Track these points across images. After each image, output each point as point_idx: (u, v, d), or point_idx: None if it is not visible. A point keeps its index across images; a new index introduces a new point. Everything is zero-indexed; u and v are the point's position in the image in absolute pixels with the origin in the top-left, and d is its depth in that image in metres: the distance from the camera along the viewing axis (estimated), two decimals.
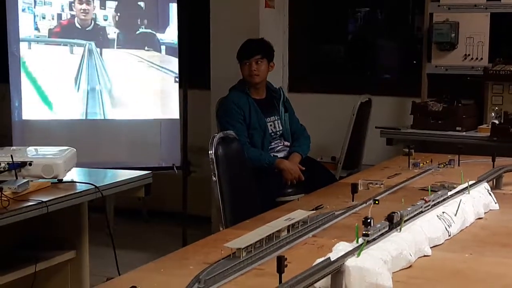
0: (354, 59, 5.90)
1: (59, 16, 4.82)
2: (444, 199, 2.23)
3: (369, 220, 1.81)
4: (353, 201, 2.62)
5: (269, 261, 1.92)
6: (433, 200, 2.15)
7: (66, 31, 4.83)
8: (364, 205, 2.55)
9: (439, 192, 2.21)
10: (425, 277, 1.87)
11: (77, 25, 4.85)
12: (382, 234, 1.83)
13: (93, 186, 2.98)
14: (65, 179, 3.02)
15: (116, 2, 4.93)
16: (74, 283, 3.27)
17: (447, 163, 3.33)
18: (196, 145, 4.87)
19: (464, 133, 4.49)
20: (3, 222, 2.58)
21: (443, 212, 2.23)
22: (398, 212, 1.92)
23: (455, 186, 2.59)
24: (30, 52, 4.77)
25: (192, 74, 4.94)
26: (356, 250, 1.75)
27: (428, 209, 2.12)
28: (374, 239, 1.85)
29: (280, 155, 4.34)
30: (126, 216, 5.54)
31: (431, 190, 2.45)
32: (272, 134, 4.34)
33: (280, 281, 1.56)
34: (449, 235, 2.18)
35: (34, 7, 4.75)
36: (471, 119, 4.60)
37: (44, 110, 4.82)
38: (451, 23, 4.77)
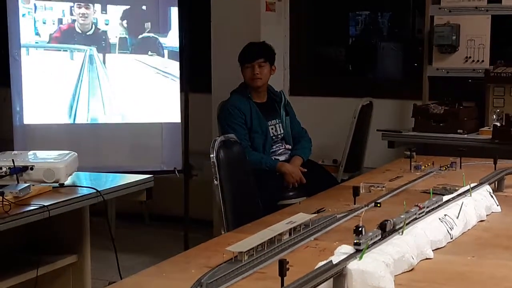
0: (355, 62, 5.90)
1: (60, 21, 4.83)
2: (438, 205, 2.20)
3: (360, 229, 1.75)
4: (354, 204, 2.61)
5: (271, 264, 1.92)
6: (427, 207, 2.12)
7: (66, 36, 4.84)
8: (366, 208, 2.55)
9: (433, 199, 2.18)
10: (427, 280, 1.86)
11: (78, 29, 4.85)
12: (374, 243, 1.79)
13: (95, 190, 2.98)
14: (66, 183, 3.02)
15: (117, 7, 4.93)
16: (76, 287, 3.27)
17: (448, 165, 3.32)
18: (198, 148, 4.86)
19: (465, 135, 4.48)
20: (5, 227, 2.58)
21: (445, 215, 2.23)
22: (391, 220, 1.87)
23: (457, 188, 2.59)
24: (31, 57, 4.77)
25: (193, 78, 4.95)
26: (358, 253, 1.75)
27: (423, 215, 2.09)
28: (375, 243, 1.84)
29: (281, 158, 4.34)
30: (127, 220, 5.54)
31: (433, 193, 2.45)
32: (274, 137, 4.34)
33: (282, 285, 1.56)
34: (451, 238, 2.18)
35: (35, 12, 4.75)
36: (473, 122, 4.59)
37: (45, 114, 4.82)
38: (452, 26, 4.77)
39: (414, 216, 2.03)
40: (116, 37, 4.93)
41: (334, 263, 1.68)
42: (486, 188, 2.61)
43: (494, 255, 2.08)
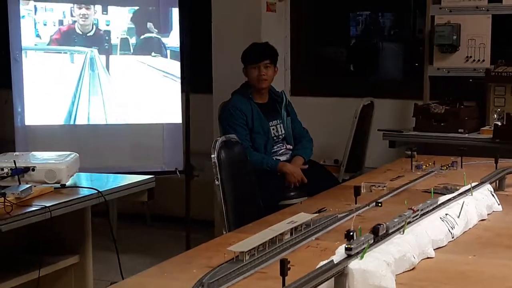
0: (356, 62, 5.90)
1: (60, 22, 4.83)
2: (433, 208, 2.19)
3: (351, 234, 1.71)
4: (356, 203, 2.61)
5: (272, 264, 1.92)
6: (421, 210, 2.10)
7: (67, 37, 4.84)
8: (367, 207, 2.55)
9: (428, 201, 2.16)
10: (429, 279, 1.86)
11: (78, 30, 4.86)
12: (364, 249, 1.75)
13: (96, 191, 2.99)
14: (68, 184, 3.03)
15: (118, 7, 4.93)
16: None
17: (449, 165, 3.32)
18: (199, 149, 4.87)
19: (466, 135, 4.48)
20: (7, 227, 2.59)
21: (446, 214, 2.23)
22: (384, 224, 1.84)
23: (458, 188, 2.58)
24: (32, 58, 4.78)
25: (194, 78, 4.95)
26: (359, 253, 1.75)
27: (417, 219, 2.07)
28: (377, 241, 1.85)
29: (283, 158, 4.34)
30: (129, 220, 5.54)
31: (434, 192, 2.45)
32: (275, 138, 4.34)
33: (284, 284, 1.56)
34: (452, 237, 2.18)
35: (35, 14, 4.76)
36: (474, 121, 4.59)
37: (47, 116, 4.82)
38: (453, 25, 4.77)
39: (408, 220, 2.00)
40: (118, 37, 4.93)
41: (335, 262, 1.68)
42: (487, 187, 2.61)
43: (495, 254, 2.08)
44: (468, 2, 4.76)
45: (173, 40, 5.00)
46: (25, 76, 4.75)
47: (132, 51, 4.95)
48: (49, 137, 4.77)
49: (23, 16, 4.73)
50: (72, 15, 4.85)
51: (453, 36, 4.76)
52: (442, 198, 2.38)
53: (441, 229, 2.14)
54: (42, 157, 3.17)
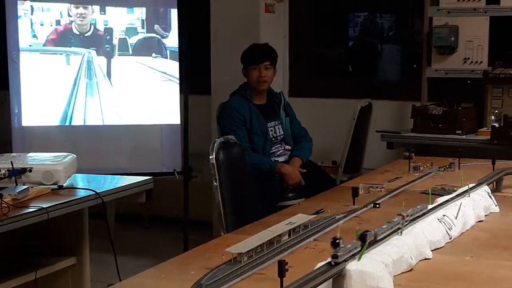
0: (354, 63, 5.90)
1: (58, 22, 4.83)
2: (423, 214, 2.16)
3: (337, 241, 1.68)
4: (354, 205, 2.61)
5: (270, 265, 1.92)
6: (411, 215, 2.07)
7: (64, 37, 4.84)
8: (365, 209, 2.56)
9: (418, 207, 2.16)
10: (426, 280, 1.86)
11: (75, 30, 4.85)
12: (354, 255, 1.72)
13: (94, 192, 2.98)
14: (65, 185, 3.02)
15: (116, 7, 4.93)
16: None
17: (447, 166, 3.33)
18: (197, 150, 4.86)
19: (464, 136, 4.49)
20: (3, 229, 2.58)
21: (443, 215, 2.23)
22: (372, 231, 1.81)
23: (455, 189, 2.59)
24: (29, 59, 4.78)
25: (193, 79, 4.95)
26: (357, 254, 1.75)
27: (406, 225, 2.03)
28: (376, 242, 1.85)
29: (281, 159, 4.34)
30: (127, 221, 5.54)
31: (431, 194, 2.45)
32: (273, 139, 4.34)
33: (281, 286, 1.56)
34: (450, 238, 2.18)
35: (32, 14, 4.75)
36: (471, 123, 4.60)
37: (44, 116, 4.82)
38: (451, 27, 4.77)
39: (398, 226, 1.97)
40: (116, 38, 4.93)
41: (333, 263, 1.68)
42: (485, 189, 2.61)
43: (493, 255, 2.08)
44: (466, 4, 4.77)
45: (171, 41, 4.99)
46: (22, 76, 4.74)
47: (130, 51, 4.95)
48: (47, 138, 4.77)
49: (19, 16, 4.72)
50: (69, 15, 4.84)
51: (451, 37, 4.76)
52: (440, 199, 2.38)
53: (438, 230, 2.14)
54: (39, 158, 3.17)
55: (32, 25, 4.76)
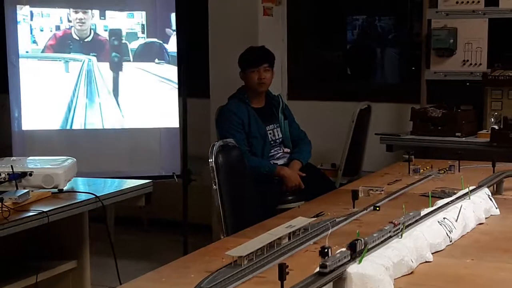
0: (353, 66, 5.90)
1: (57, 27, 4.82)
2: (416, 220, 2.13)
3: (326, 250, 1.65)
4: (354, 208, 2.61)
5: (271, 269, 1.92)
6: (402, 223, 2.03)
7: (64, 42, 4.83)
8: (365, 211, 2.56)
9: (410, 214, 2.13)
10: (427, 283, 1.86)
11: (75, 35, 4.85)
12: (343, 264, 1.69)
13: (94, 196, 2.99)
14: (65, 189, 3.03)
15: (116, 12, 4.93)
16: None
17: (447, 168, 3.33)
18: (196, 153, 4.86)
19: (463, 138, 4.49)
20: (4, 233, 2.58)
21: (444, 218, 2.23)
22: (362, 239, 1.77)
23: (455, 191, 2.59)
24: (29, 63, 4.77)
25: (192, 83, 4.95)
26: (358, 257, 1.75)
27: (398, 233, 1.99)
28: (376, 245, 1.85)
29: (280, 162, 4.34)
30: (126, 225, 5.53)
31: (431, 196, 2.46)
32: (272, 142, 4.34)
33: None
34: (450, 241, 2.18)
35: (31, 20, 4.74)
36: (471, 125, 4.60)
37: (44, 120, 4.81)
38: (450, 29, 4.78)
39: (389, 234, 1.94)
40: (116, 42, 4.92)
41: (333, 266, 1.68)
42: (485, 191, 2.61)
43: (493, 258, 2.08)
44: (464, 6, 4.77)
45: (170, 45, 4.99)
46: (22, 80, 4.73)
47: (130, 56, 4.94)
48: (47, 142, 4.76)
49: (19, 22, 4.72)
50: (69, 20, 4.84)
51: (450, 40, 4.77)
52: (440, 202, 2.38)
53: (439, 233, 2.14)
54: (40, 162, 3.17)
55: (32, 30, 4.75)
